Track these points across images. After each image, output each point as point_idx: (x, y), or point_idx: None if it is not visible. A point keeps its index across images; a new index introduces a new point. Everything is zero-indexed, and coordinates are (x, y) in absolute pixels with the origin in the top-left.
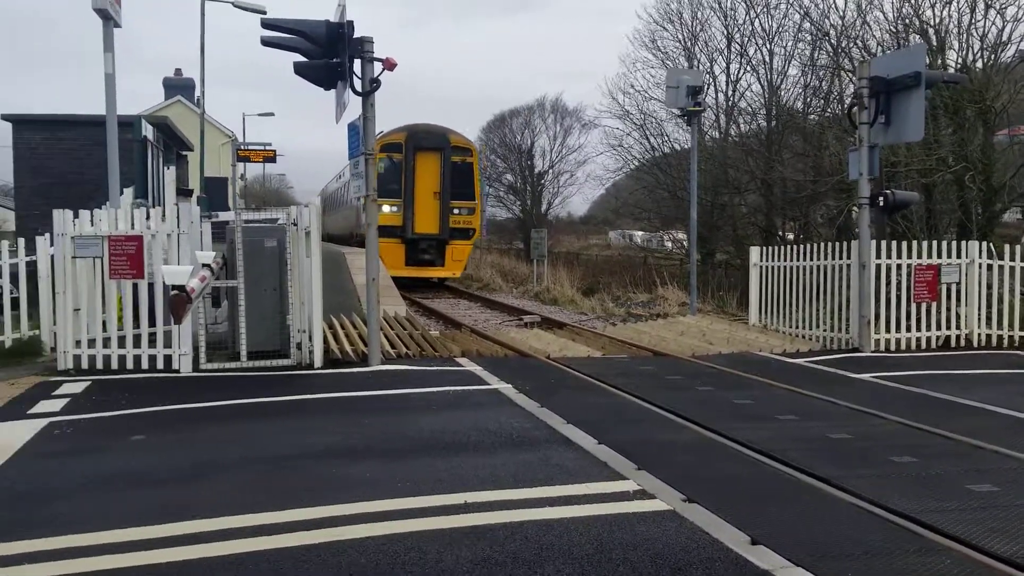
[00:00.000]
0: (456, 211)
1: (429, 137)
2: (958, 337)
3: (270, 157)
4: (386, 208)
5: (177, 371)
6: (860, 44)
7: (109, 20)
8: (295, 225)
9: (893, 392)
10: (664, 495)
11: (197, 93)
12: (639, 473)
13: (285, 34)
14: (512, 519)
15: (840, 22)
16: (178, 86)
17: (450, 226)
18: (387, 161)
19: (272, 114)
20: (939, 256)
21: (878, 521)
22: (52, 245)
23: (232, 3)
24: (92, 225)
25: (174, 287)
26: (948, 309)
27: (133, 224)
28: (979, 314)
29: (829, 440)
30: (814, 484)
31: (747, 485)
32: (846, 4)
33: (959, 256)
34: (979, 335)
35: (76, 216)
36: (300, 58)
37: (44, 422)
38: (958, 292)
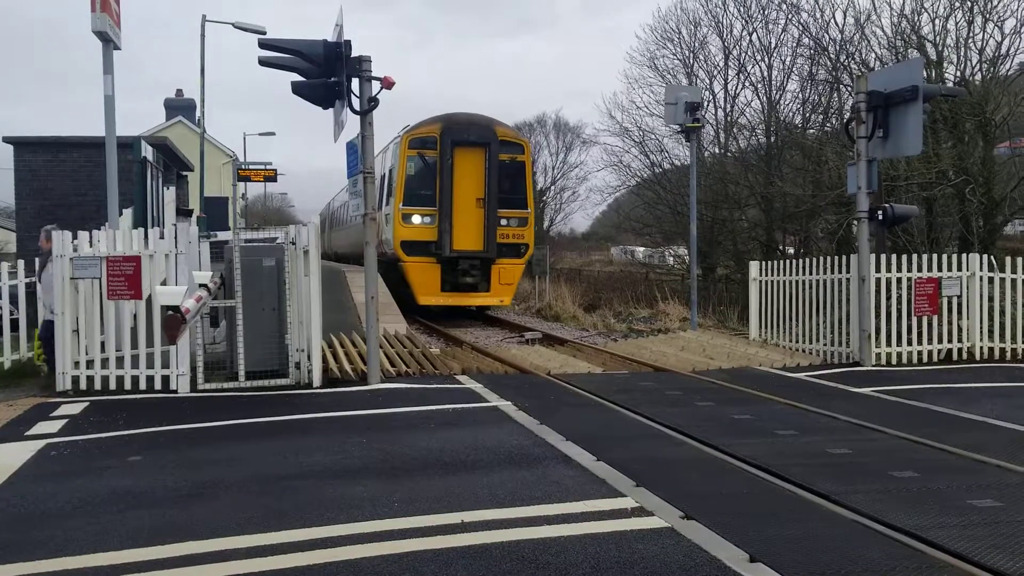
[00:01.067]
0: (504, 222)
1: (471, 130)
2: (960, 350)
3: (271, 177)
4: (416, 219)
5: (175, 391)
6: (858, 59)
7: (109, 42)
8: (293, 244)
9: (894, 406)
10: (662, 512)
11: (197, 113)
12: (637, 490)
13: (283, 54)
14: (509, 538)
15: (839, 36)
16: (179, 107)
17: (497, 241)
18: (417, 160)
19: (273, 133)
20: (940, 269)
21: (878, 537)
22: None
23: (233, 24)
24: (91, 246)
25: (168, 308)
26: (949, 322)
27: (132, 245)
28: (981, 327)
29: (829, 455)
30: (814, 500)
31: (746, 501)
32: (844, 19)
33: (960, 269)
34: (981, 348)
35: (75, 237)
36: (298, 78)
37: (41, 443)
38: (959, 305)
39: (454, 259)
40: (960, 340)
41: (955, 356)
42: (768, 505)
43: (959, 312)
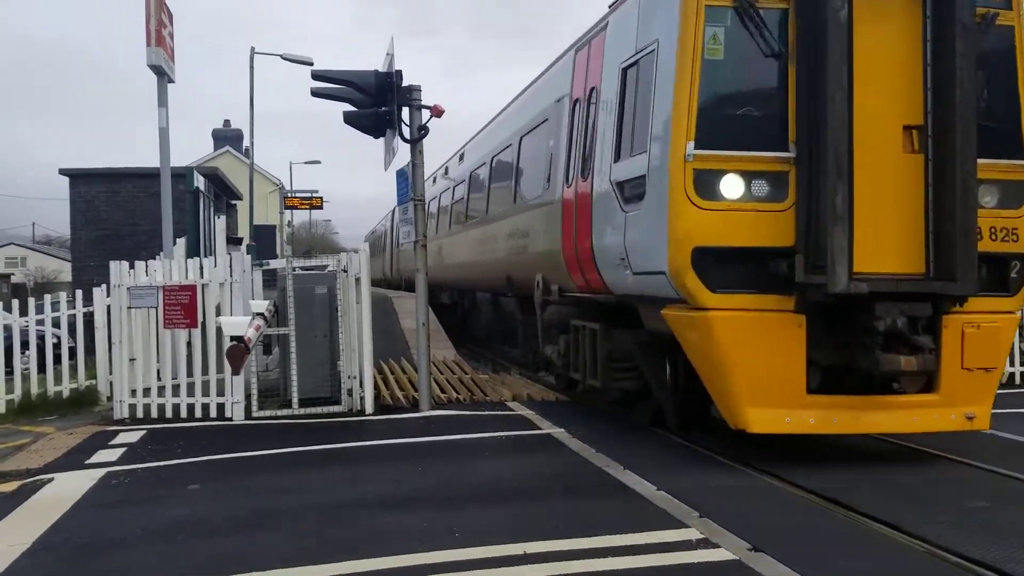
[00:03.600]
0: (992, 197)
1: None
2: None
3: (317, 205)
4: (733, 187)
5: (230, 419)
6: None
7: (163, 76)
8: (345, 272)
9: None
10: (728, 544)
11: (246, 143)
12: (701, 521)
13: (335, 85)
14: (573, 570)
15: None
16: (226, 137)
17: (977, 248)
18: (734, 24)
19: (319, 162)
20: None
21: (956, 571)
22: (108, 295)
23: (281, 56)
24: (147, 275)
25: (232, 338)
26: None
27: (187, 274)
28: None
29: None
30: (884, 531)
31: (814, 533)
32: None
33: None
34: None
35: (132, 267)
36: (350, 108)
37: (102, 472)
38: None
39: (853, 300)
40: None
41: None
42: (836, 536)
43: None
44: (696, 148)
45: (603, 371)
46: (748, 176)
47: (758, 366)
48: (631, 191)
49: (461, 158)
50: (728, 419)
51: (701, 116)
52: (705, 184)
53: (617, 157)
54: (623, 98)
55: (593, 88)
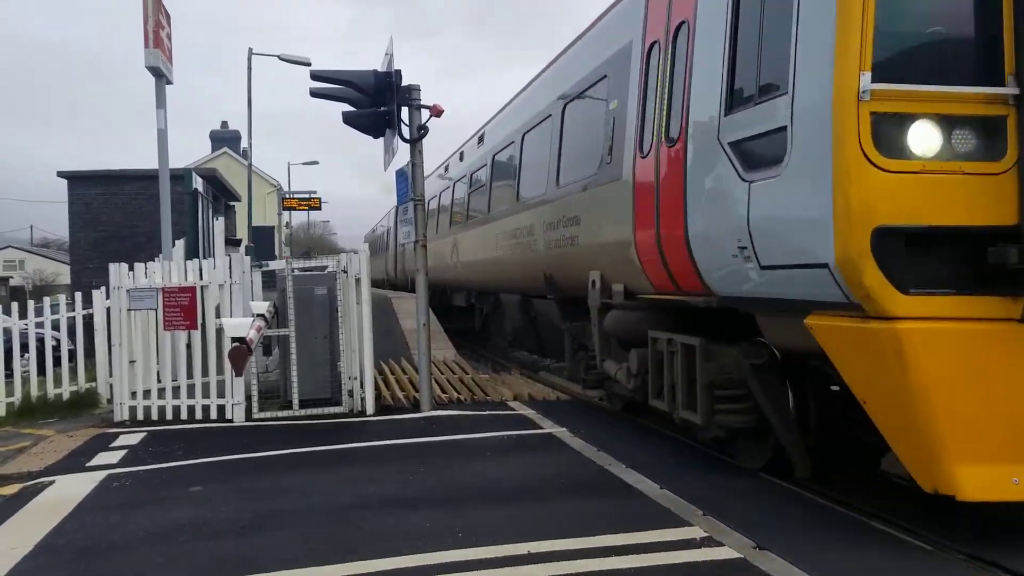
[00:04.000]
0: None
1: None
2: None
3: (316, 206)
4: (924, 138)
5: (230, 420)
6: None
7: (161, 78)
8: (345, 272)
9: None
10: (733, 542)
11: (243, 145)
12: (705, 519)
13: (334, 85)
14: (576, 570)
15: None
16: (224, 138)
17: None
18: None
19: (317, 163)
20: None
21: (962, 569)
22: (108, 298)
23: (279, 56)
24: (146, 277)
25: (234, 339)
26: None
27: (187, 276)
28: None
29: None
30: (889, 530)
31: (819, 530)
32: None
33: None
34: None
35: (131, 269)
36: (349, 108)
37: (103, 474)
38: None
39: None
40: None
41: None
42: (842, 534)
43: None
44: (875, 81)
45: (703, 401)
46: (948, 122)
47: (973, 403)
48: (760, 151)
49: (480, 140)
50: (922, 480)
51: (880, 36)
52: (888, 134)
53: (730, 107)
54: (737, 26)
55: (682, 23)
